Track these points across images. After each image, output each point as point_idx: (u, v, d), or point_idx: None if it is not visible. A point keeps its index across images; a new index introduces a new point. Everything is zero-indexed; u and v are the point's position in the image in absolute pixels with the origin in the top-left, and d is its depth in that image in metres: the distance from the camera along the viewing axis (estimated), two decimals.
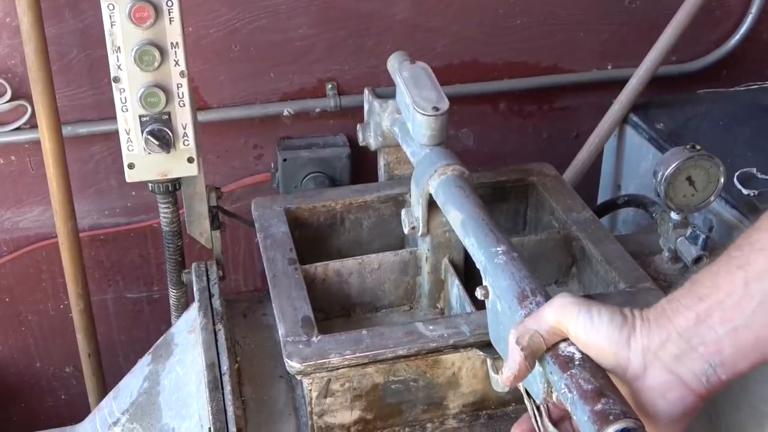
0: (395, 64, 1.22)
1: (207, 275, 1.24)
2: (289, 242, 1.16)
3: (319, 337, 0.96)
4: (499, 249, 0.88)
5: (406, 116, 1.14)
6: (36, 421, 1.92)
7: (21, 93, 1.57)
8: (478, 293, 0.89)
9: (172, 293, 1.36)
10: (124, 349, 1.89)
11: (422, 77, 1.16)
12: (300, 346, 0.95)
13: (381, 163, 1.31)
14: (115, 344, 1.88)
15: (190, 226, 1.29)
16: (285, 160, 1.67)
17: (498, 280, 0.85)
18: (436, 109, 1.10)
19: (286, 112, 1.68)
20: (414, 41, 1.68)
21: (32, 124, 1.58)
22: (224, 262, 1.31)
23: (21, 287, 1.77)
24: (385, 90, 1.30)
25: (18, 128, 1.60)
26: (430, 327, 0.97)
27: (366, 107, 1.30)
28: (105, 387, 1.71)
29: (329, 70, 1.68)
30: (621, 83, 1.66)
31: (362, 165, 1.71)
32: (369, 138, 1.28)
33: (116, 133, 1.57)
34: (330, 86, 1.68)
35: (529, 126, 1.82)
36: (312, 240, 1.26)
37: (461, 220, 0.97)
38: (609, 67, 1.79)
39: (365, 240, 1.27)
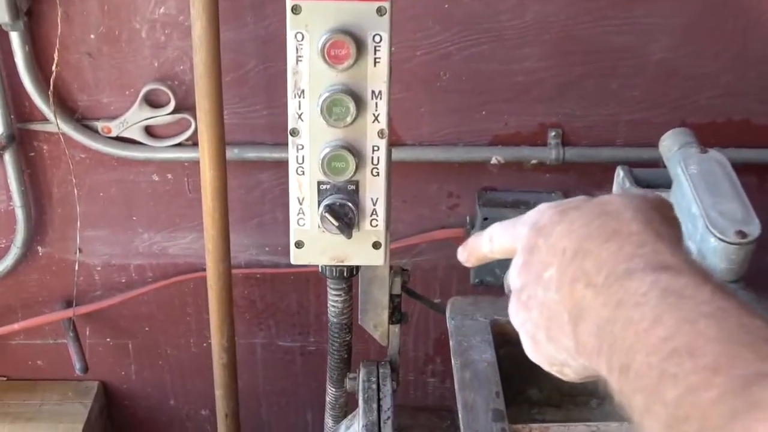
0: (673, 147, 0.87)
1: (378, 389, 0.95)
2: (496, 380, 0.84)
3: None
4: None
5: (691, 232, 0.79)
6: None
7: (186, 104, 1.32)
8: None
9: (330, 391, 1.08)
10: (268, 399, 1.65)
11: (719, 177, 0.81)
12: None
13: None
14: (258, 392, 1.63)
15: (363, 315, 1.00)
16: (486, 219, 1.35)
17: None
18: (741, 234, 0.75)
19: (494, 160, 1.35)
20: (670, 89, 1.31)
21: (194, 141, 1.32)
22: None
23: (163, 318, 1.55)
24: (646, 173, 0.96)
25: (179, 144, 1.36)
26: None
27: (615, 189, 0.97)
28: None
29: (555, 114, 1.34)
30: None
31: None
32: None
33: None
34: (553, 134, 1.34)
35: None
36: (519, 362, 0.94)
37: None
38: None
39: None
